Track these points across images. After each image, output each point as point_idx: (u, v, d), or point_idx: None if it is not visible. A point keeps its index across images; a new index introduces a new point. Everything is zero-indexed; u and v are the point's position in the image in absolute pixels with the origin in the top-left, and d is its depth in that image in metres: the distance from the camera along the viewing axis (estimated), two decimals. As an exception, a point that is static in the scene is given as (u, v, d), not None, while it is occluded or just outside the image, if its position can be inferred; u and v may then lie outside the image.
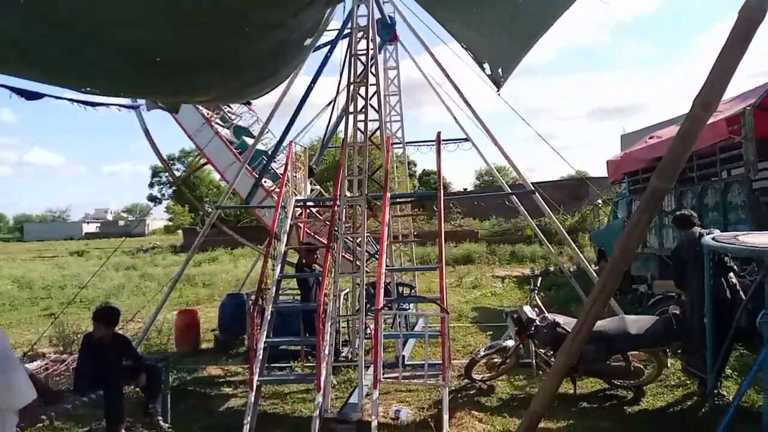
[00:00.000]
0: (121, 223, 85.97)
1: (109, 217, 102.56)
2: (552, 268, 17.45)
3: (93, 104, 5.81)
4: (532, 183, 8.68)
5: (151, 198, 64.55)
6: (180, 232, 50.65)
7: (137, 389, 6.02)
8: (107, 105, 6.09)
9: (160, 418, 5.76)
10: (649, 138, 11.79)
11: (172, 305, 12.69)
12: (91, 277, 11.82)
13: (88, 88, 4.72)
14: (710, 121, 9.04)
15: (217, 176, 57.57)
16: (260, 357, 6.09)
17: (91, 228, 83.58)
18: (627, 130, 29.47)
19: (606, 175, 13.89)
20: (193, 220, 56.43)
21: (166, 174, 61.61)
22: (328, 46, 9.48)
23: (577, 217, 25.48)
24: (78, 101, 5.66)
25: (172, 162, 61.76)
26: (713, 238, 5.32)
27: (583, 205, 27.44)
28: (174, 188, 59.29)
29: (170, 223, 64.97)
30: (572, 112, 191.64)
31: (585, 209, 26.75)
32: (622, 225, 12.79)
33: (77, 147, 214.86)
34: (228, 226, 15.51)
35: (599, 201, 15.98)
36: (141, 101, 8.94)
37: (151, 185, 64.29)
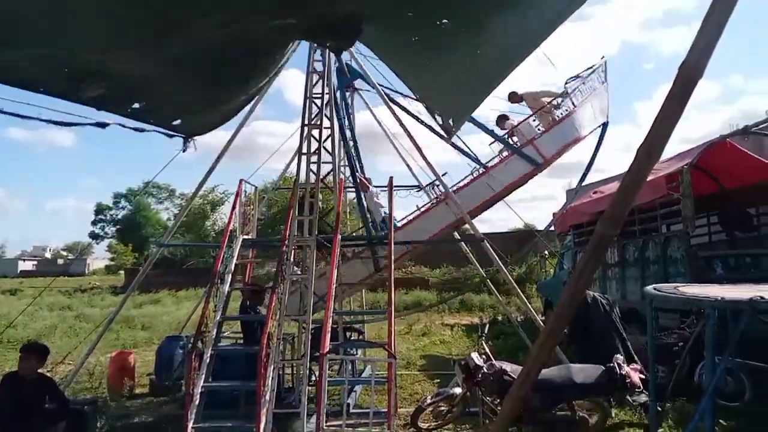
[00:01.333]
0: (60, 261, 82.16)
1: (48, 255, 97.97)
2: (500, 317, 17.52)
3: (66, 124, 5.65)
4: (482, 233, 8.80)
5: (93, 235, 62.16)
6: (122, 272, 48.79)
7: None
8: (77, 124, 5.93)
9: None
10: (593, 193, 12.23)
11: (107, 347, 12.04)
12: (18, 314, 11.13)
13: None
14: (650, 178, 9.45)
15: (164, 215, 56.38)
16: (197, 402, 5.81)
17: (27, 266, 79.45)
18: (572, 185, 30.52)
19: (552, 227, 14.28)
20: (137, 260, 54.59)
21: (111, 212, 59.87)
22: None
23: (525, 268, 25.88)
24: (53, 122, 5.50)
25: (117, 200, 60.16)
26: (654, 288, 5.45)
27: (529, 257, 27.97)
28: (118, 227, 57.55)
29: (112, 263, 62.55)
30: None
31: (531, 260, 27.25)
32: (568, 275, 13.05)
33: (18, 180, 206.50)
34: (174, 268, 15.02)
35: (545, 252, 16.32)
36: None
37: (95, 222, 62.09)
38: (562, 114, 10.65)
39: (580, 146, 10.65)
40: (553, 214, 13.44)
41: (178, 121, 6.91)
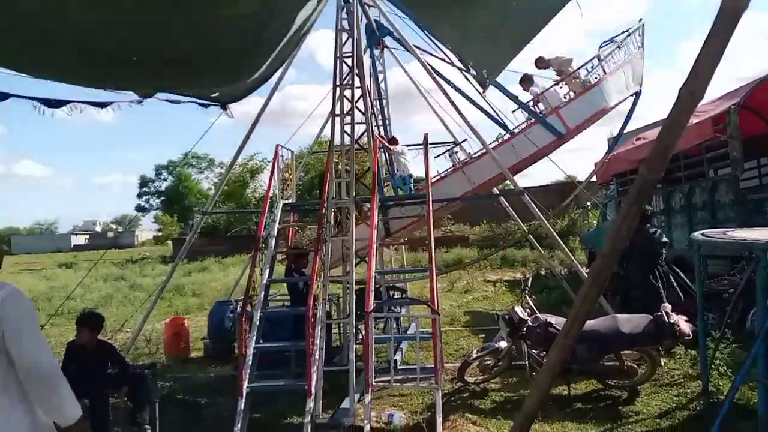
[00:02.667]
0: (110, 234, 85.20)
1: (98, 228, 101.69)
2: (543, 272, 17.40)
3: (60, 103, 5.78)
4: (522, 187, 8.64)
5: (140, 208, 63.87)
6: (169, 242, 50.27)
7: (125, 398, 5.90)
8: (75, 103, 6.04)
9: (147, 427, 5.66)
10: (636, 139, 11.85)
11: (161, 314, 12.54)
12: (75, 286, 11.65)
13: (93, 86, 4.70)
14: (696, 121, 9.12)
15: (205, 185, 57.45)
16: (249, 363, 6.01)
17: (79, 240, 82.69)
18: (613, 133, 29.64)
19: (594, 178, 13.94)
20: (183, 230, 56.05)
21: (155, 183, 61.25)
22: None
23: (567, 221, 25.49)
24: (43, 101, 5.63)
25: (159, 172, 61.45)
26: (702, 233, 5.31)
27: (571, 209, 27.49)
28: (162, 198, 58.92)
29: (159, 234, 64.43)
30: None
31: (573, 213, 26.81)
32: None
33: (65, 159, 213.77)
34: (218, 236, 15.37)
35: (588, 203, 16.01)
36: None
37: (140, 195, 63.70)
38: (592, 81, 10.17)
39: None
40: (595, 163, 13.10)
41: (216, 94, 6.98)
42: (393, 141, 9.89)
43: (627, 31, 10.81)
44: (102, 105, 5.42)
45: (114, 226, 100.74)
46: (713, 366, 5.84)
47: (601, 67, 10.22)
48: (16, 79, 4.85)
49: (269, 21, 5.63)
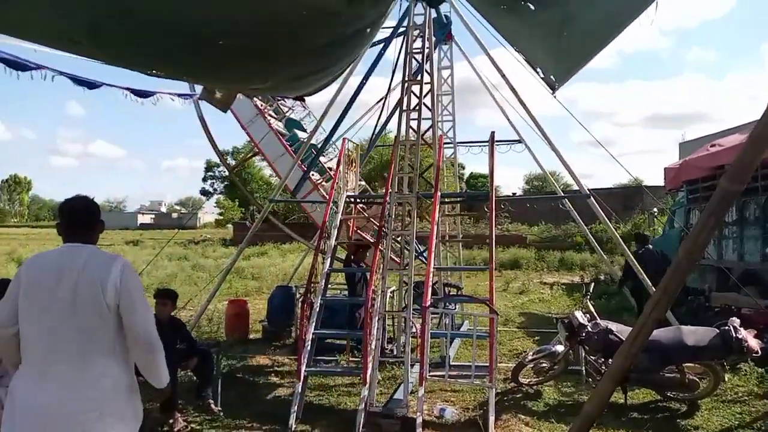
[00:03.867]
0: (174, 215, 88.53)
1: (164, 209, 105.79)
2: (602, 277, 17.01)
3: (146, 94, 6.06)
4: (574, 191, 8.50)
5: (204, 192, 66.13)
6: (230, 226, 51.79)
7: (190, 373, 6.20)
8: (161, 94, 6.32)
9: (211, 401, 5.94)
10: (711, 146, 11.35)
11: (222, 296, 13.00)
12: (146, 265, 12.24)
13: (153, 71, 4.90)
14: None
15: (267, 172, 58.70)
16: (308, 348, 6.19)
17: (145, 219, 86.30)
18: (686, 138, 28.46)
19: (662, 183, 13.46)
20: (243, 215, 57.55)
21: (219, 169, 63.05)
22: (382, 44, 9.50)
23: (630, 226, 24.75)
24: (133, 91, 5.91)
25: (224, 157, 63.36)
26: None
27: (635, 214, 26.64)
28: (225, 183, 60.60)
29: (221, 217, 66.45)
30: (629, 118, 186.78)
31: (638, 218, 25.97)
32: (679, 235, 12.36)
33: (138, 141, 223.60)
34: (277, 222, 15.74)
35: (655, 209, 15.49)
36: (196, 91, 9.17)
37: (205, 179, 65.84)
38: None
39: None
40: (665, 168, 12.65)
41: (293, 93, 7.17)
42: None
43: None
44: (144, 95, 5.67)
45: (178, 208, 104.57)
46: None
47: None
48: (106, 68, 5.16)
49: (352, 19, 5.73)
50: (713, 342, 5.71)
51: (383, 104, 9.68)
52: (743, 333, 5.64)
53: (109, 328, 2.70)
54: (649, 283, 7.31)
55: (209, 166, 64.06)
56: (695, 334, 5.85)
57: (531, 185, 60.64)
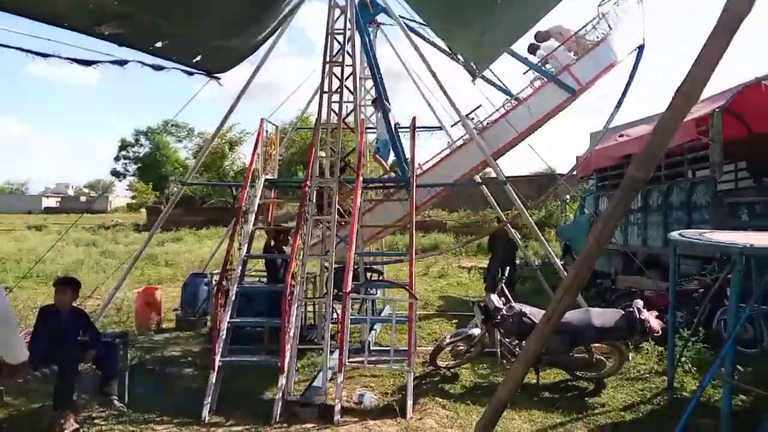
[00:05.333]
0: (83, 198, 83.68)
1: (71, 192, 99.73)
2: (518, 261, 17.60)
3: (88, 62, 5.59)
4: (505, 176, 8.73)
5: (115, 173, 62.44)
6: (143, 210, 49.53)
7: (92, 365, 5.83)
8: (101, 62, 5.86)
9: (115, 397, 5.60)
10: (619, 136, 11.94)
11: (133, 284, 12.39)
12: (47, 250, 11.42)
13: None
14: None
15: (183, 154, 56.55)
16: (223, 337, 5.98)
17: (51, 203, 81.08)
18: (597, 126, 29.91)
19: (568, 172, 14.12)
20: (158, 199, 55.18)
21: (134, 149, 59.99)
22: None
23: (544, 212, 25.77)
24: (77, 60, 5.44)
25: (137, 137, 60.18)
26: (680, 234, 5.41)
27: (549, 201, 27.77)
28: (139, 165, 57.80)
29: (133, 201, 63.33)
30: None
31: (551, 205, 27.08)
32: (589, 221, 12.98)
33: (44, 118, 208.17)
34: (194, 207, 15.16)
35: (567, 197, 16.18)
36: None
37: (117, 159, 62.08)
38: (596, 38, 10.39)
39: (613, 75, 10.44)
40: (577, 157, 13.21)
41: (198, 58, 6.81)
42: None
43: None
44: (86, 63, 5.25)
45: (87, 191, 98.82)
46: (678, 363, 6.00)
47: (606, 23, 10.41)
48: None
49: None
50: (619, 323, 6.01)
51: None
52: (646, 314, 5.97)
53: None
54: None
55: (124, 145, 60.70)
56: (602, 316, 6.14)
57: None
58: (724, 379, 3.72)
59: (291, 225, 9.35)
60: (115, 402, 5.57)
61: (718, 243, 4.34)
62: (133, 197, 61.79)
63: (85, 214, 25.79)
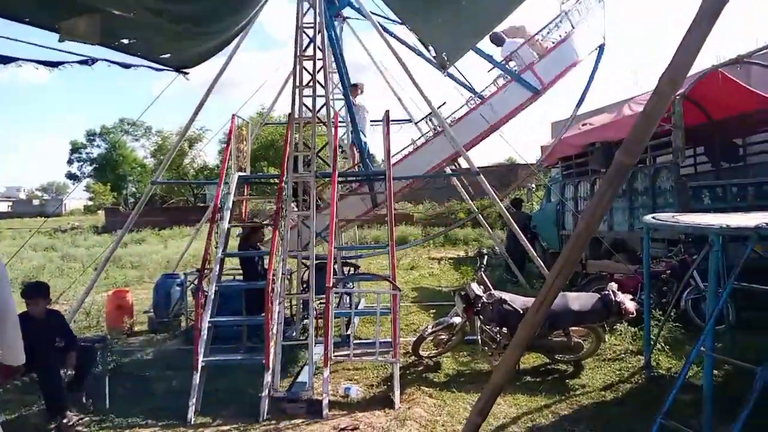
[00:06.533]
0: (36, 202, 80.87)
1: (23, 195, 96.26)
2: (485, 250, 17.78)
3: (53, 64, 5.40)
4: (467, 168, 8.89)
5: (70, 176, 60.46)
6: (101, 212, 48.24)
7: (71, 369, 5.69)
8: (66, 63, 5.66)
9: (83, 395, 5.54)
10: (582, 125, 12.21)
11: (99, 287, 12.06)
12: (10, 258, 11.00)
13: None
14: (641, 109, 9.48)
15: (141, 153, 55.23)
16: (204, 337, 5.91)
17: (2, 207, 78.14)
18: (558, 117, 30.49)
19: (532, 161, 14.38)
20: (116, 200, 53.83)
21: (87, 150, 58.26)
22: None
23: (508, 201, 26.20)
24: (42, 62, 5.25)
25: (92, 138, 58.46)
26: (653, 217, 5.58)
27: (512, 190, 28.23)
28: (95, 165, 56.17)
29: (90, 203, 61.55)
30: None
31: (514, 193, 27.52)
32: (555, 208, 13.24)
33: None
34: (154, 207, 14.80)
35: (533, 185, 16.47)
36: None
37: (70, 162, 60.14)
38: (559, 37, 10.57)
39: (575, 72, 10.66)
40: (541, 146, 13.46)
41: (167, 55, 6.66)
42: (355, 88, 9.75)
43: None
44: (52, 65, 5.07)
45: (40, 194, 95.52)
46: (652, 342, 6.21)
47: (569, 22, 10.61)
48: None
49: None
50: (595, 306, 6.17)
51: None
52: (621, 297, 6.14)
53: None
54: (524, 238, 8.76)
55: (75, 147, 58.86)
56: (579, 300, 6.29)
57: (414, 164, 62.10)
58: (706, 354, 3.87)
59: (261, 221, 9.24)
60: (83, 400, 5.49)
61: (697, 225, 4.50)
62: (90, 199, 60.12)
63: (38, 217, 24.90)
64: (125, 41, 6.11)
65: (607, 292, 6.24)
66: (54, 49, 5.62)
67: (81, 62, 5.94)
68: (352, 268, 9.26)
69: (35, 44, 4.94)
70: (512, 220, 9.30)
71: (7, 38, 5.18)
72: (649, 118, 3.11)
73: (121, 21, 5.30)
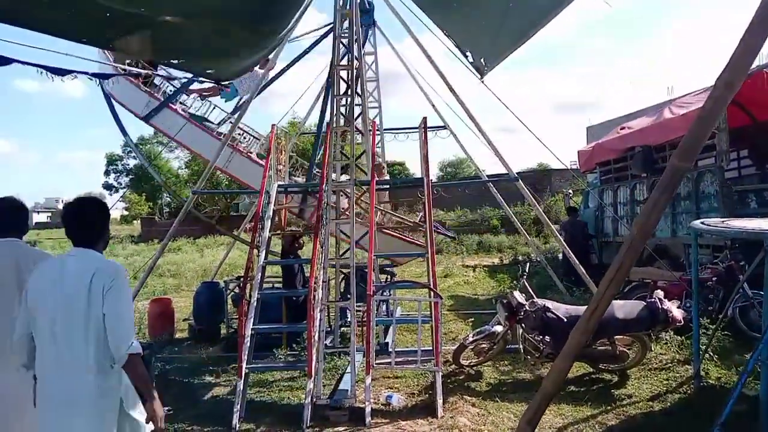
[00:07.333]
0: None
1: (61, 206, 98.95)
2: (520, 257, 17.65)
3: (62, 72, 5.56)
4: (499, 174, 8.79)
5: (107, 186, 62.02)
6: (136, 222, 49.24)
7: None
8: (77, 72, 5.82)
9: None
10: (621, 129, 12.03)
11: (139, 295, 12.29)
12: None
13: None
14: (684, 112, 9.29)
15: (176, 164, 56.21)
16: (248, 344, 5.96)
17: (42, 218, 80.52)
18: (592, 122, 30.09)
19: (567, 166, 14.20)
20: (151, 210, 54.88)
21: (123, 161, 59.64)
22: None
23: (542, 208, 25.93)
24: (47, 68, 5.40)
25: (128, 149, 59.78)
26: (702, 222, 5.45)
27: (546, 196, 27.91)
28: (131, 176, 57.45)
29: (126, 213, 62.90)
30: (534, 105, 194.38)
31: (549, 200, 27.22)
32: (594, 213, 13.05)
33: (29, 133, 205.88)
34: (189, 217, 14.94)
35: (570, 191, 16.26)
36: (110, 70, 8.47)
37: (107, 173, 61.70)
38: None
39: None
40: (578, 152, 13.28)
41: (211, 71, 6.81)
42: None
43: None
44: (105, 77, 5.24)
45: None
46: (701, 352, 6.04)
47: None
48: (15, 45, 4.66)
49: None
50: (641, 314, 6.04)
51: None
52: (668, 304, 6.00)
53: None
54: (570, 252, 8.26)
55: (111, 160, 60.36)
56: (624, 308, 6.16)
57: (445, 172, 61.88)
58: (764, 363, 3.75)
59: (297, 230, 9.32)
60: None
61: (751, 230, 4.37)
62: (126, 209, 61.41)
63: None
64: (175, 61, 6.26)
65: (653, 300, 6.11)
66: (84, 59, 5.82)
67: (136, 75, 6.12)
68: (389, 276, 9.26)
69: (79, 57, 5.09)
70: (561, 232, 9.45)
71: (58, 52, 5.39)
72: (705, 121, 3.06)
73: (171, 38, 5.42)
